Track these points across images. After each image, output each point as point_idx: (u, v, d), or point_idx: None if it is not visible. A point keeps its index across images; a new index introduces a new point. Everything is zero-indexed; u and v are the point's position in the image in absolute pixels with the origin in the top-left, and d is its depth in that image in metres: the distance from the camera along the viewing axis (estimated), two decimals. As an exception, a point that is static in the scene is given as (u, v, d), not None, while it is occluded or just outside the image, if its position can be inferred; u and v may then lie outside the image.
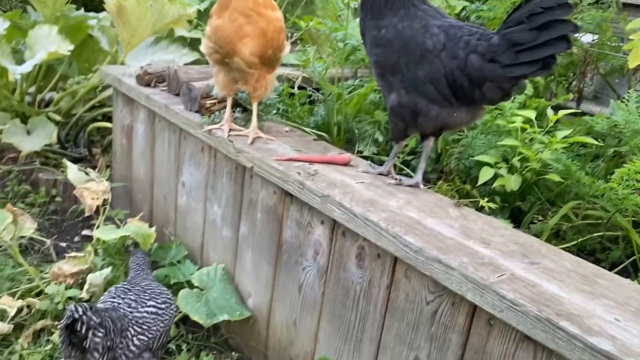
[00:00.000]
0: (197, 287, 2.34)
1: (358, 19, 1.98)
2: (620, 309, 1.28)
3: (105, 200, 2.74)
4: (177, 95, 2.70)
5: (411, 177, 1.99)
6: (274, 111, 2.57)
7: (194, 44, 3.90)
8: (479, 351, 1.42)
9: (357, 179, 1.93)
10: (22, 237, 2.64)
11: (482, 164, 2.09)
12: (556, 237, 2.09)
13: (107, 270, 2.46)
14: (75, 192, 2.72)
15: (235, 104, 2.49)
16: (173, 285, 2.46)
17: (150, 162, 2.96)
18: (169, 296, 2.16)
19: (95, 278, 2.40)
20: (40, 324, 2.35)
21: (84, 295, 2.39)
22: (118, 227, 2.72)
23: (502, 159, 2.11)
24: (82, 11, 4.11)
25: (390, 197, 1.80)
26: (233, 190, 2.32)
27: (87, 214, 2.71)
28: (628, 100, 2.23)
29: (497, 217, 2.04)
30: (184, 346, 2.32)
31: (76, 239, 3.28)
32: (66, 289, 2.43)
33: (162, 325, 2.04)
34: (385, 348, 1.70)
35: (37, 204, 3.47)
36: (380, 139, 2.44)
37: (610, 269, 1.93)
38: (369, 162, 2.14)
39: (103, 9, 3.66)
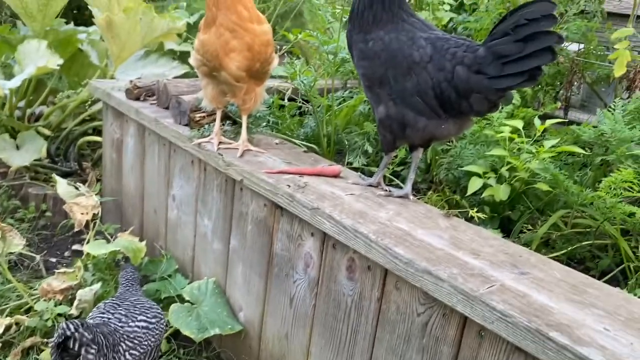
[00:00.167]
0: (188, 301, 2.32)
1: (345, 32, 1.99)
2: (610, 319, 1.28)
3: (95, 215, 2.72)
4: (167, 108, 2.70)
5: (401, 188, 1.99)
6: (264, 123, 2.57)
7: (183, 57, 3.91)
8: (470, 363, 1.42)
9: (347, 190, 1.93)
10: (10, 253, 2.61)
11: (471, 174, 2.10)
12: (546, 246, 2.10)
13: (97, 286, 2.44)
14: (65, 207, 2.70)
15: (225, 117, 2.49)
16: (164, 299, 2.45)
17: (141, 175, 2.95)
18: (159, 310, 2.15)
19: (85, 294, 2.38)
20: (29, 342, 2.32)
21: (74, 311, 2.37)
22: (108, 241, 2.70)
23: (490, 169, 2.12)
24: (71, 25, 4.11)
25: (380, 208, 1.80)
26: (223, 203, 2.32)
27: (76, 229, 2.69)
28: (614, 109, 2.26)
29: (487, 227, 2.05)
30: (175, 361, 2.30)
31: (66, 253, 3.25)
32: (55, 305, 2.41)
33: (153, 340, 2.03)
34: (377, 360, 1.70)
35: (27, 219, 3.44)
36: (370, 150, 2.45)
37: (600, 277, 1.94)
38: (359, 173, 2.14)
39: (93, 23, 3.66)
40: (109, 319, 2.02)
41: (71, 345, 1.74)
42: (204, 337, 2.18)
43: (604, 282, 1.69)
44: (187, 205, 2.57)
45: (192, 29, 3.98)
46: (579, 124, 2.47)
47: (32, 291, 2.60)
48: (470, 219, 1.88)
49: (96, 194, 2.90)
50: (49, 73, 3.65)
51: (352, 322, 1.76)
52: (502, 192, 2.02)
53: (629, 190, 1.87)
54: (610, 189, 1.87)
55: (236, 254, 2.28)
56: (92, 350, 1.77)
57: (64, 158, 4.07)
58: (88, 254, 2.57)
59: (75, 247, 3.30)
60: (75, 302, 2.38)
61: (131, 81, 2.93)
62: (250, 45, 2.04)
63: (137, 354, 1.95)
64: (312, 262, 1.89)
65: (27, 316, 2.43)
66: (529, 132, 2.24)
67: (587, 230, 2.06)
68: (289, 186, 1.92)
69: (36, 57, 3.36)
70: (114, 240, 2.69)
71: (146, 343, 2.00)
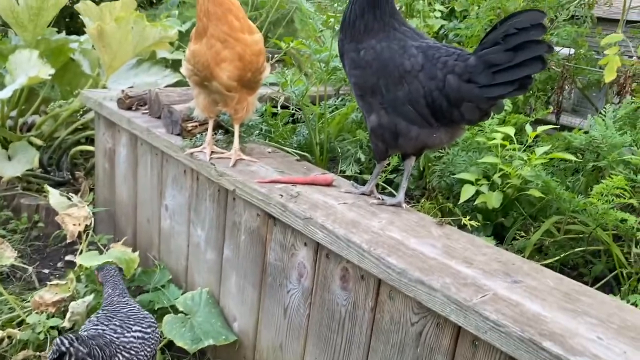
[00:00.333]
0: (181, 311, 2.31)
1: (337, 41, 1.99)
2: (603, 327, 1.28)
3: (87, 226, 2.71)
4: (159, 118, 2.69)
5: (394, 195, 1.99)
6: (257, 132, 2.57)
7: (176, 65, 3.91)
8: (464, 372, 1.42)
9: (339, 199, 1.93)
10: (2, 266, 2.59)
11: (463, 182, 2.10)
12: (539, 252, 2.10)
13: (90, 298, 2.42)
14: (57, 219, 2.69)
15: (217, 126, 2.49)
16: (158, 310, 2.43)
17: (133, 185, 2.93)
18: (153, 320, 2.14)
19: (78, 306, 2.36)
20: (21, 355, 2.30)
21: (66, 324, 2.35)
22: (101, 252, 2.68)
23: (483, 176, 2.12)
24: (63, 34, 4.10)
25: (372, 217, 1.80)
26: (216, 213, 2.31)
27: (69, 240, 2.68)
28: (605, 115, 2.26)
29: (480, 235, 2.05)
30: (169, 373, 2.29)
31: (59, 264, 3.23)
32: (48, 318, 2.39)
33: (149, 349, 2.02)
34: (372, 370, 1.69)
35: (19, 230, 3.42)
36: (363, 158, 2.45)
37: (593, 283, 1.95)
38: (352, 182, 2.14)
39: (84, 32, 3.65)
40: (104, 330, 2.00)
41: None
42: (198, 348, 2.17)
43: (597, 288, 1.70)
44: (180, 215, 2.56)
45: (184, 37, 3.98)
46: (571, 128, 2.47)
47: (24, 304, 2.58)
48: (463, 227, 1.88)
49: (89, 204, 2.89)
50: (41, 82, 3.64)
51: (347, 332, 1.76)
52: (494, 199, 2.02)
53: (621, 197, 1.88)
54: (602, 195, 1.87)
55: (229, 263, 2.27)
56: None
57: (56, 168, 4.05)
58: (81, 265, 2.55)
59: (69, 257, 3.27)
60: (68, 315, 2.35)
61: (123, 91, 2.92)
62: (242, 55, 2.04)
63: (133, 365, 1.94)
64: (305, 272, 1.89)
65: (19, 329, 2.40)
66: (521, 138, 2.24)
67: (580, 236, 2.06)
68: (282, 196, 1.91)
69: (28, 67, 3.34)
70: (107, 251, 2.67)
71: (142, 353, 1.98)
